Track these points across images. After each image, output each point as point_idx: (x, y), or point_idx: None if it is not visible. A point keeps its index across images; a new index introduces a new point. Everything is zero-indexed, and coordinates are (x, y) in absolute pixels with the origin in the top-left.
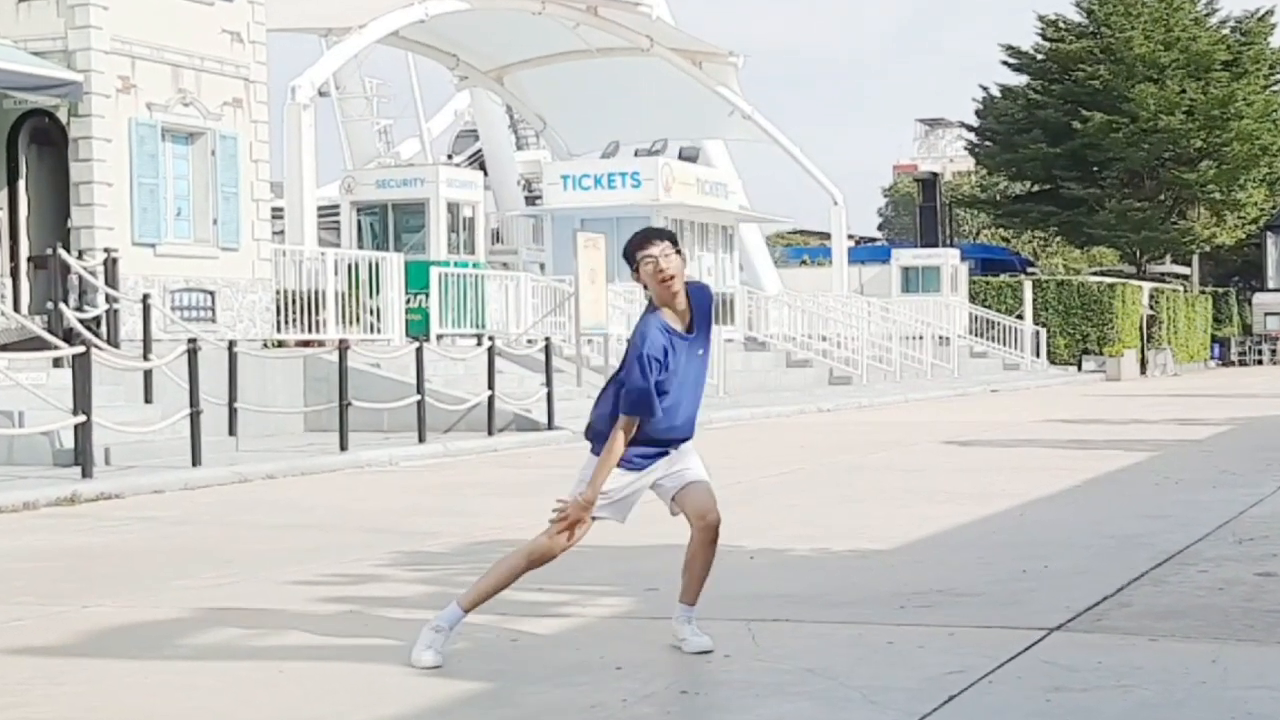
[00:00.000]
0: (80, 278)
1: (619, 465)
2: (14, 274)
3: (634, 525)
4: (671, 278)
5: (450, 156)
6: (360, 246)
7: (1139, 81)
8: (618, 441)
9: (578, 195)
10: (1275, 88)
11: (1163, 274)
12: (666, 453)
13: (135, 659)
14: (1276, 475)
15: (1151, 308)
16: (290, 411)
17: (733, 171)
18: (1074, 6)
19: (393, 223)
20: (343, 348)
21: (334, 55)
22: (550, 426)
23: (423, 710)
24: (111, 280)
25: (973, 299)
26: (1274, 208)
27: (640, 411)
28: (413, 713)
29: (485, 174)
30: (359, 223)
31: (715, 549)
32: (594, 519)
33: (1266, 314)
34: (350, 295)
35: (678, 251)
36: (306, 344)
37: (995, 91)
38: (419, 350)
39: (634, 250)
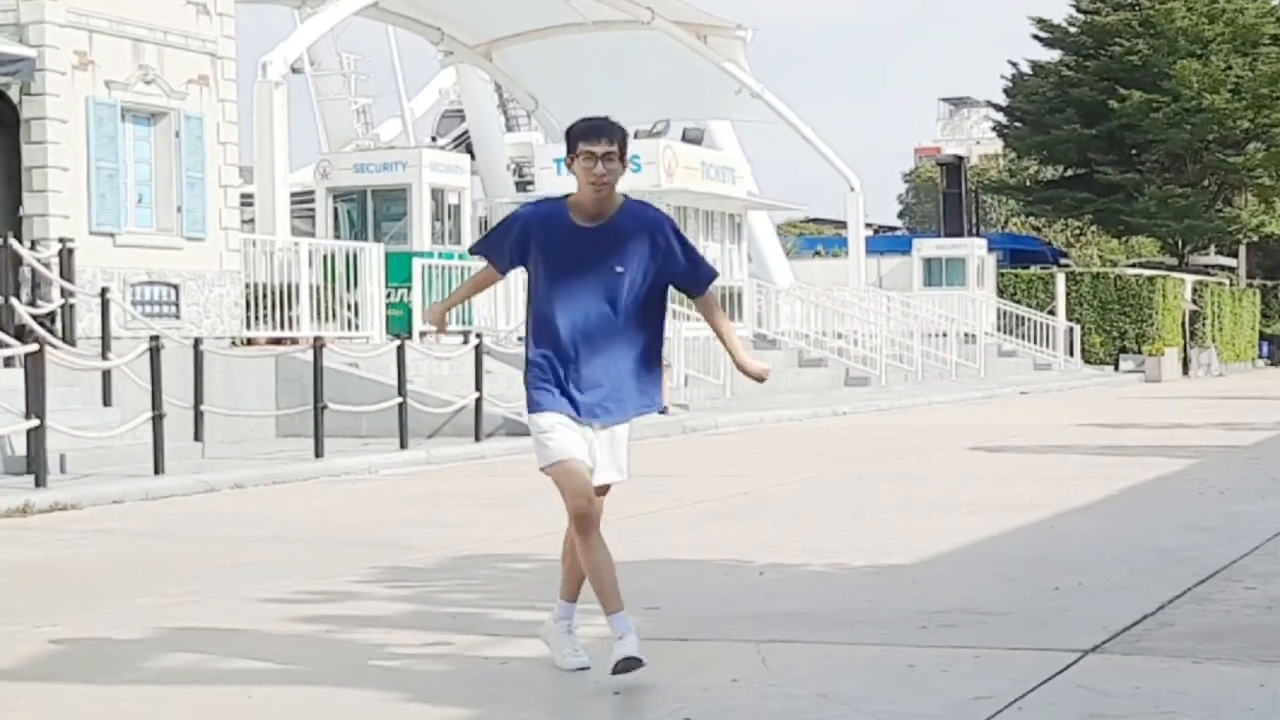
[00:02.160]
0: (33, 270)
1: (548, 395)
2: None
3: (634, 541)
4: (605, 183)
5: (434, 138)
6: (337, 236)
7: (1181, 57)
8: (473, 275)
9: (573, 180)
10: None
11: (1207, 266)
12: (593, 410)
13: (94, 683)
14: None
15: (1195, 302)
16: (261, 415)
17: (741, 155)
18: None
19: (372, 210)
20: (318, 346)
21: (308, 29)
22: None
23: None
24: (67, 273)
25: (1001, 293)
26: None
27: (482, 244)
28: None
29: (472, 157)
30: (335, 210)
31: (588, 543)
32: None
33: None
34: (326, 289)
35: (623, 159)
36: (278, 342)
37: (1025, 68)
38: (400, 349)
39: (577, 138)
